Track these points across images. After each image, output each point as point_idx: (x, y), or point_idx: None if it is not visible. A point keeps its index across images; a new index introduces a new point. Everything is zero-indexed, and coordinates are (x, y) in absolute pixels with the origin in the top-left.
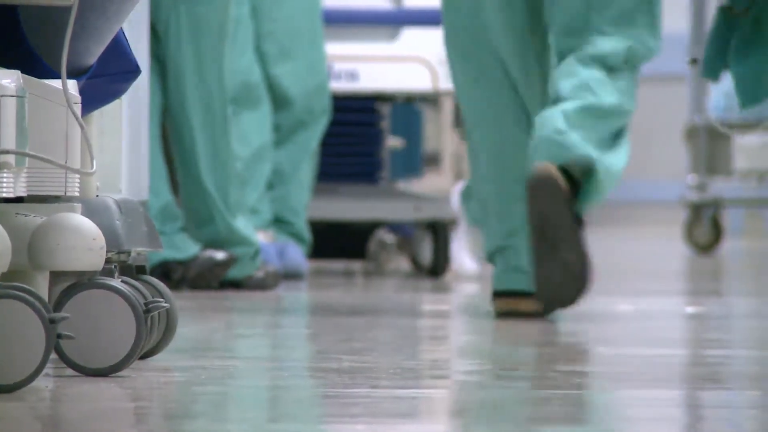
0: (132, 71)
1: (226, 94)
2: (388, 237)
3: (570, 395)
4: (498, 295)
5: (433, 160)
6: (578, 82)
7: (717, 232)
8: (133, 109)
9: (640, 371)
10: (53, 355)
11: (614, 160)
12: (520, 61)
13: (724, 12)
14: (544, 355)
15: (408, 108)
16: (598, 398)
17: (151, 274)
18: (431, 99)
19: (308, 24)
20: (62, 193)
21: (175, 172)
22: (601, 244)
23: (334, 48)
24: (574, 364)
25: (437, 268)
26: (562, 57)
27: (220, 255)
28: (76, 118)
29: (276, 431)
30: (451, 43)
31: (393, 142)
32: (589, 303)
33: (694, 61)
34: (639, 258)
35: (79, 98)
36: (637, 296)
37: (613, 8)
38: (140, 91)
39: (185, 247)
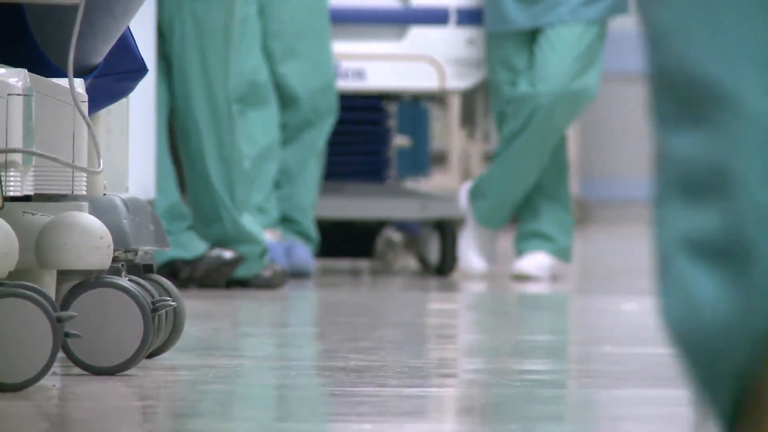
0: (139, 70)
1: (231, 92)
2: (395, 236)
3: (575, 394)
4: None
5: (440, 159)
6: None
7: None
8: (140, 107)
9: (645, 370)
10: (60, 354)
11: None
12: None
13: None
14: (550, 353)
15: (415, 106)
16: (603, 397)
17: (159, 274)
18: (438, 98)
19: (315, 23)
20: (69, 192)
21: (182, 170)
22: (607, 242)
23: (341, 47)
24: (579, 363)
25: (444, 266)
26: None
27: (227, 254)
28: (83, 117)
29: (283, 430)
30: None
31: (400, 141)
32: (594, 301)
33: None
34: (645, 256)
35: (86, 97)
36: (643, 295)
37: None
38: (147, 89)
39: (192, 246)
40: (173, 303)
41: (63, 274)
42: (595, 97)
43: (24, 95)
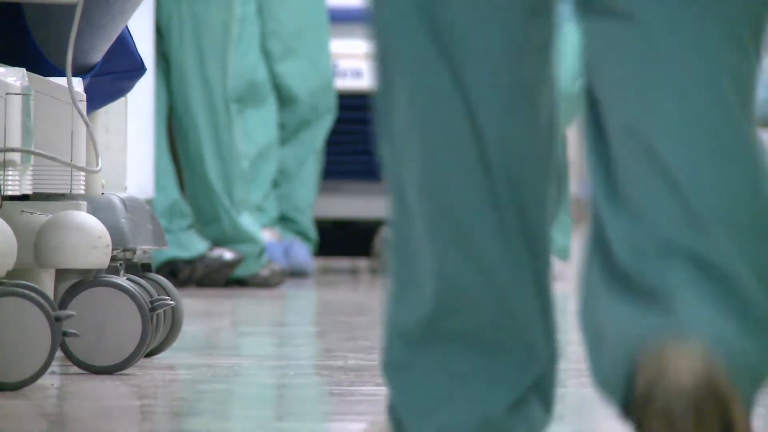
0: (137, 69)
1: (229, 91)
2: None
3: (575, 393)
4: None
5: None
6: None
7: None
8: (138, 107)
9: None
10: (59, 353)
11: None
12: None
13: None
14: None
15: None
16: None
17: (159, 273)
18: None
19: (313, 22)
20: (68, 191)
21: (181, 169)
22: None
23: (339, 46)
24: (579, 362)
25: None
26: None
27: (228, 255)
28: (82, 116)
29: (281, 429)
30: None
31: None
32: None
33: None
34: None
35: (84, 96)
36: None
37: None
38: (146, 89)
39: (192, 246)
40: (171, 302)
41: (61, 273)
42: None
43: (22, 94)
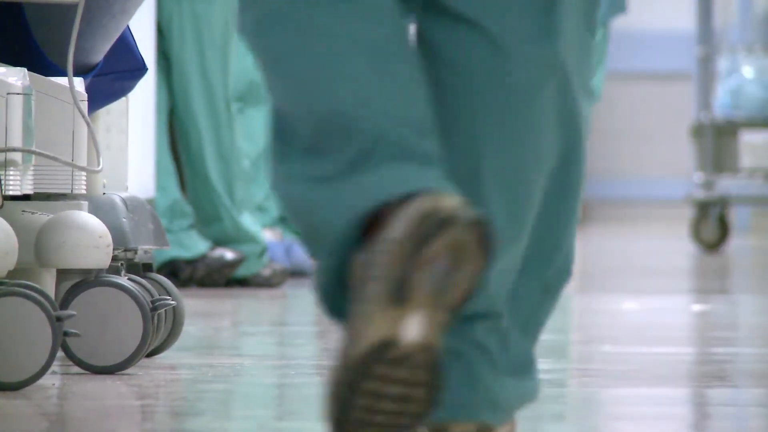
0: (138, 69)
1: (230, 91)
2: None
3: (576, 393)
4: None
5: None
6: None
7: (724, 229)
8: (139, 106)
9: (646, 369)
10: (60, 353)
11: None
12: None
13: None
14: (550, 352)
15: None
16: (603, 396)
17: (159, 273)
18: None
19: None
20: (69, 191)
21: (182, 169)
22: (608, 241)
23: None
24: (580, 362)
25: None
26: None
27: (229, 255)
28: (83, 116)
29: (282, 429)
30: None
31: None
32: (595, 300)
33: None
34: (645, 256)
35: (85, 96)
36: (644, 294)
37: None
38: (147, 88)
39: (193, 246)
40: (172, 302)
41: (62, 273)
42: (600, 99)
43: (23, 94)
